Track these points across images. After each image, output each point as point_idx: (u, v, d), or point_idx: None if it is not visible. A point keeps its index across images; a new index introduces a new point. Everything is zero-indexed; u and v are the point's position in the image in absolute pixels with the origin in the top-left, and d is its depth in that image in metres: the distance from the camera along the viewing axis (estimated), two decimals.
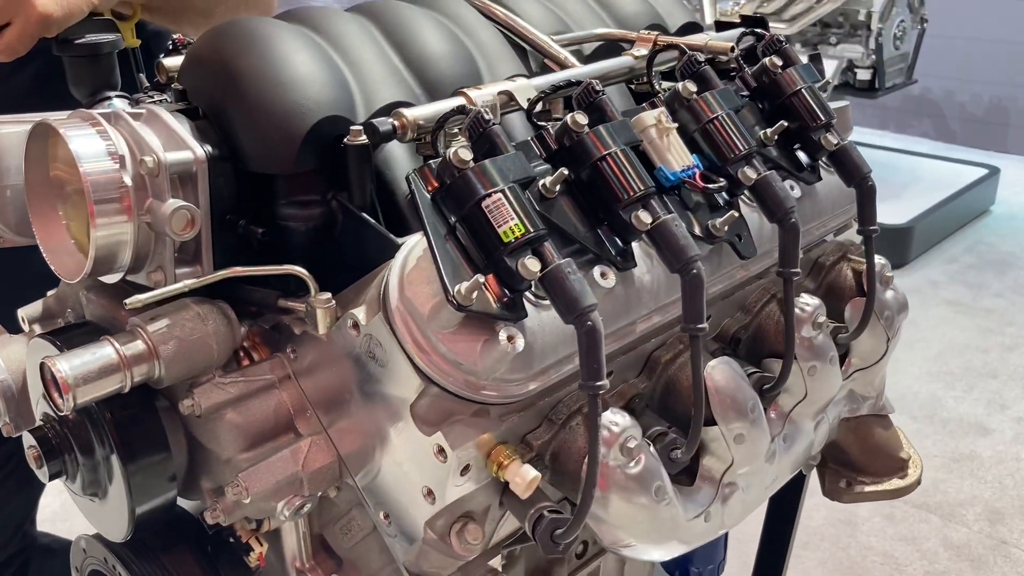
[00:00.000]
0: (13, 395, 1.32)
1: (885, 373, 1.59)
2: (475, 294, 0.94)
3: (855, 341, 1.50)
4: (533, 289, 1.01)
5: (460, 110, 1.07)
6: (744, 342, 1.37)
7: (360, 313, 1.04)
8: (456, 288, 0.94)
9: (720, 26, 1.57)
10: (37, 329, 1.35)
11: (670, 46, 1.32)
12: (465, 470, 1.03)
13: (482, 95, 1.16)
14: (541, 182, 1.06)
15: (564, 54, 1.33)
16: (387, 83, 1.20)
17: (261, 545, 1.26)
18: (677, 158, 1.18)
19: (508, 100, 1.19)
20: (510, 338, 0.97)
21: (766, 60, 1.36)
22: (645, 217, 1.07)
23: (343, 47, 1.21)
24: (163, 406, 1.18)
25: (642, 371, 1.25)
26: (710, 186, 1.18)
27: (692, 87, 1.24)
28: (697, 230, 1.18)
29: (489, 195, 0.97)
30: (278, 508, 1.13)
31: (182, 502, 1.29)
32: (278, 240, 1.16)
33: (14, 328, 1.36)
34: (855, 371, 1.52)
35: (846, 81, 6.95)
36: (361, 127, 1.10)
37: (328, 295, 1.08)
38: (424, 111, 1.11)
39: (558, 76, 1.29)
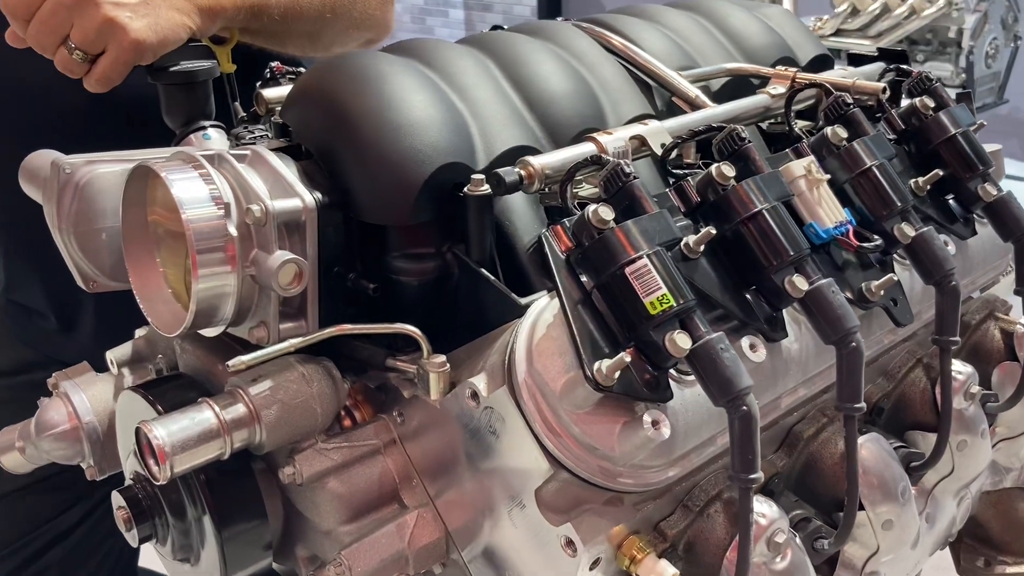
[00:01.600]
0: (99, 438, 1.26)
1: None
2: (617, 373, 0.84)
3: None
4: (678, 365, 0.90)
5: (595, 160, 0.97)
6: (887, 411, 1.24)
7: (480, 383, 0.94)
8: (596, 366, 0.84)
9: (854, 60, 1.45)
10: (126, 374, 1.28)
11: (812, 84, 1.21)
12: (595, 564, 0.93)
13: (613, 141, 1.05)
14: (684, 241, 0.96)
15: (695, 91, 1.23)
16: (508, 125, 1.10)
17: None
18: (829, 213, 1.06)
19: (640, 145, 1.09)
20: (655, 423, 0.87)
21: (916, 101, 1.24)
22: (800, 283, 0.96)
23: (460, 85, 1.12)
24: (260, 468, 1.10)
25: (780, 446, 1.13)
26: (865, 245, 1.06)
27: (843, 133, 1.12)
28: (849, 293, 1.06)
29: (633, 261, 0.86)
30: None
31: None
32: (388, 294, 1.07)
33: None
34: (1000, 441, 1.39)
35: None
36: (483, 176, 1.00)
37: (443, 358, 0.99)
38: (552, 159, 1.02)
39: (692, 118, 1.18)
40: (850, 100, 1.17)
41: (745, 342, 0.97)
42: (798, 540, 1.01)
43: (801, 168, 1.07)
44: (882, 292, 1.06)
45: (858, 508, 1.08)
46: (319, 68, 1.12)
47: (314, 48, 1.57)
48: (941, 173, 1.19)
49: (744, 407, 0.85)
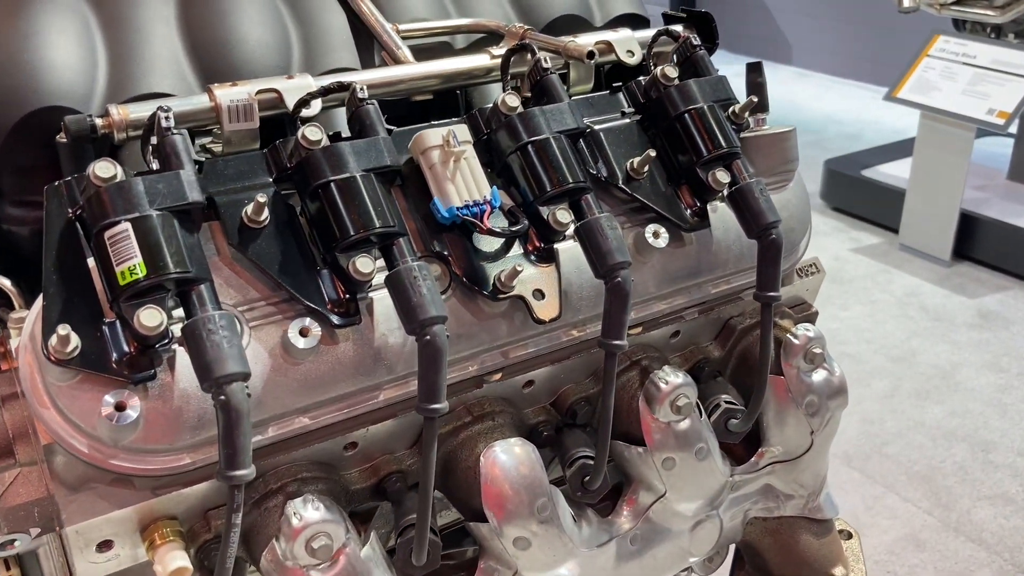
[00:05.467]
0: None
1: (824, 471, 1.27)
2: (72, 346, 0.77)
3: (773, 428, 1.20)
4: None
5: (149, 125, 0.88)
6: (582, 414, 1.10)
7: (13, 344, 0.89)
8: (50, 338, 0.77)
9: (668, 20, 1.29)
10: None
11: (521, 47, 1.07)
12: (105, 546, 0.86)
13: (232, 94, 0.96)
14: (244, 209, 0.87)
15: (402, 49, 1.11)
16: (151, 71, 1.03)
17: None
18: (462, 189, 0.94)
19: (279, 100, 0.99)
20: (119, 405, 0.79)
21: (657, 71, 1.09)
22: (364, 265, 0.86)
23: (116, 21, 1.05)
24: None
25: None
26: (496, 229, 0.94)
27: (513, 101, 0.99)
28: (479, 284, 0.95)
29: (112, 224, 0.78)
30: None
31: None
32: (4, 244, 1.02)
33: None
34: (771, 463, 1.23)
35: None
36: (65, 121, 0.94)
37: (25, 312, 0.93)
38: (138, 110, 0.93)
39: (382, 74, 1.07)
40: (548, 63, 1.03)
41: (295, 326, 0.87)
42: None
43: (437, 137, 0.95)
44: (513, 284, 0.94)
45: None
46: None
47: None
48: (653, 153, 1.04)
49: (223, 396, 0.76)
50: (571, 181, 0.96)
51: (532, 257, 0.99)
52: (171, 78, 1.04)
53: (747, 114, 1.13)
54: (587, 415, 1.09)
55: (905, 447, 3.07)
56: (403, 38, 1.14)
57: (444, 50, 1.19)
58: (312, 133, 0.88)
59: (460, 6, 1.23)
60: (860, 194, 4.88)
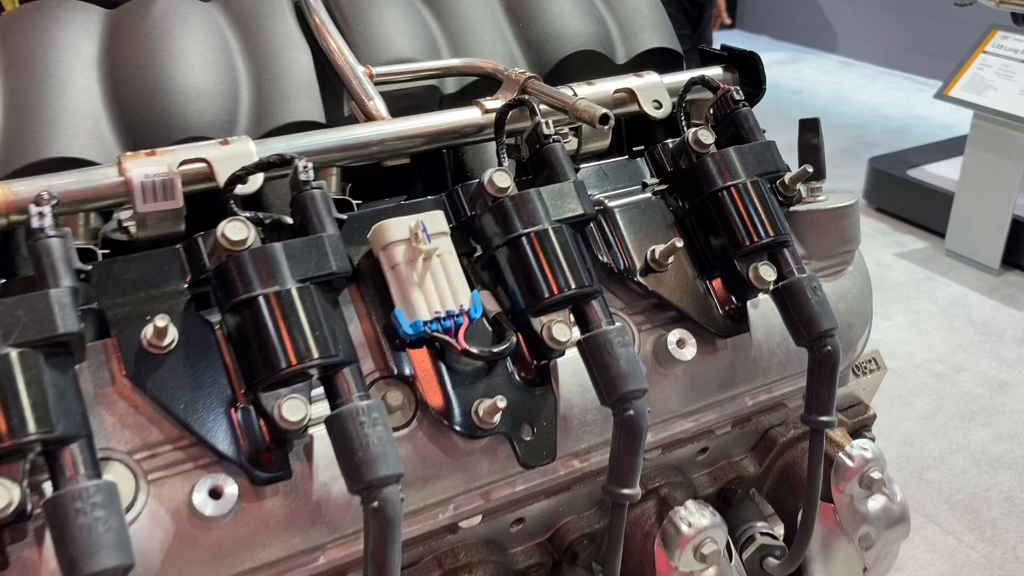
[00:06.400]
0: None
1: None
2: None
3: (817, 562, 0.99)
4: None
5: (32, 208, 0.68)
6: (583, 556, 0.90)
7: None
8: None
9: (705, 59, 1.07)
10: None
11: (518, 102, 0.85)
12: None
13: (150, 166, 0.76)
14: (143, 331, 0.67)
15: (374, 100, 0.90)
16: (59, 129, 0.82)
17: None
18: (432, 297, 0.73)
19: (207, 173, 0.78)
20: None
21: (689, 135, 0.87)
22: (292, 413, 0.66)
23: (19, 66, 0.85)
24: None
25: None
26: (473, 351, 0.73)
27: (503, 181, 0.78)
28: (450, 420, 0.74)
29: None
30: None
31: None
32: None
33: None
34: None
35: None
36: None
37: None
38: (24, 188, 0.73)
39: (346, 135, 0.86)
40: (548, 130, 0.82)
41: (205, 484, 0.67)
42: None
43: (402, 230, 0.74)
44: (494, 420, 0.74)
45: None
46: None
47: None
48: (680, 244, 0.83)
49: None
50: (574, 286, 0.75)
51: (520, 379, 0.78)
52: (83, 138, 0.83)
53: (799, 185, 0.92)
54: (589, 556, 0.89)
55: (947, 473, 2.84)
56: (380, 83, 0.93)
57: (429, 96, 0.98)
58: (234, 231, 0.68)
59: (454, 41, 1.02)
60: (905, 195, 4.61)
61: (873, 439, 1.02)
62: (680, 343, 0.84)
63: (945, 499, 2.70)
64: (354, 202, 0.86)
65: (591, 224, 0.85)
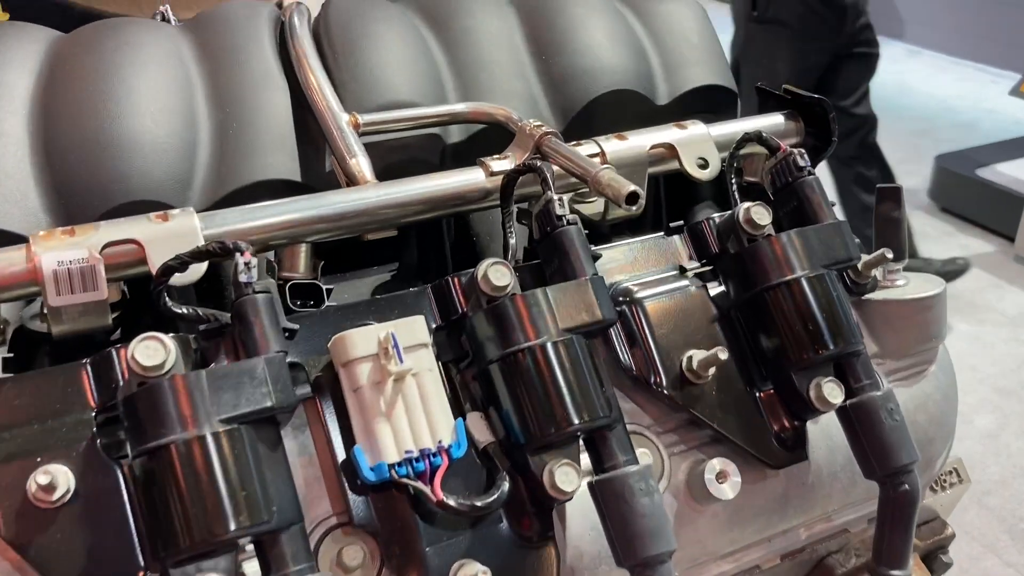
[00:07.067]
0: None
1: None
2: None
3: None
4: None
5: None
6: None
7: None
8: None
9: (764, 100, 0.89)
10: None
11: (529, 168, 0.69)
12: None
13: (66, 250, 0.61)
14: (28, 482, 0.52)
15: (357, 158, 0.74)
16: None
17: None
18: (403, 432, 0.58)
19: (139, 256, 0.63)
20: None
21: (740, 212, 0.70)
22: None
23: None
24: None
25: None
26: (451, 503, 0.57)
27: (502, 278, 0.62)
28: (412, 572, 0.59)
29: None
30: None
31: None
32: None
33: None
34: None
35: None
36: None
37: None
38: None
39: (318, 205, 0.70)
40: (563, 209, 0.65)
41: None
42: None
43: (368, 343, 0.59)
44: None
45: None
46: None
47: None
48: (724, 356, 0.66)
49: None
50: (586, 418, 0.59)
51: (515, 532, 0.62)
52: (8, 204, 0.69)
53: (875, 271, 0.74)
54: None
55: (1010, 499, 2.63)
56: (368, 133, 0.77)
57: (430, 147, 0.81)
58: (147, 354, 0.53)
59: (463, 78, 0.85)
60: (973, 195, 4.36)
61: (951, 563, 0.85)
62: (721, 476, 0.68)
63: (1007, 528, 2.50)
64: (324, 287, 0.71)
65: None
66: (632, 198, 0.65)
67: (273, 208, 0.68)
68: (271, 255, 0.72)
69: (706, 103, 0.91)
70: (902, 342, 0.78)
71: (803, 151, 0.74)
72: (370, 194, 0.71)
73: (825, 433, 0.73)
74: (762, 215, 0.70)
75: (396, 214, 0.71)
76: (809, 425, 0.73)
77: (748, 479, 0.70)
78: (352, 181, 0.73)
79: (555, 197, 0.66)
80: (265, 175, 0.75)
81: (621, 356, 0.69)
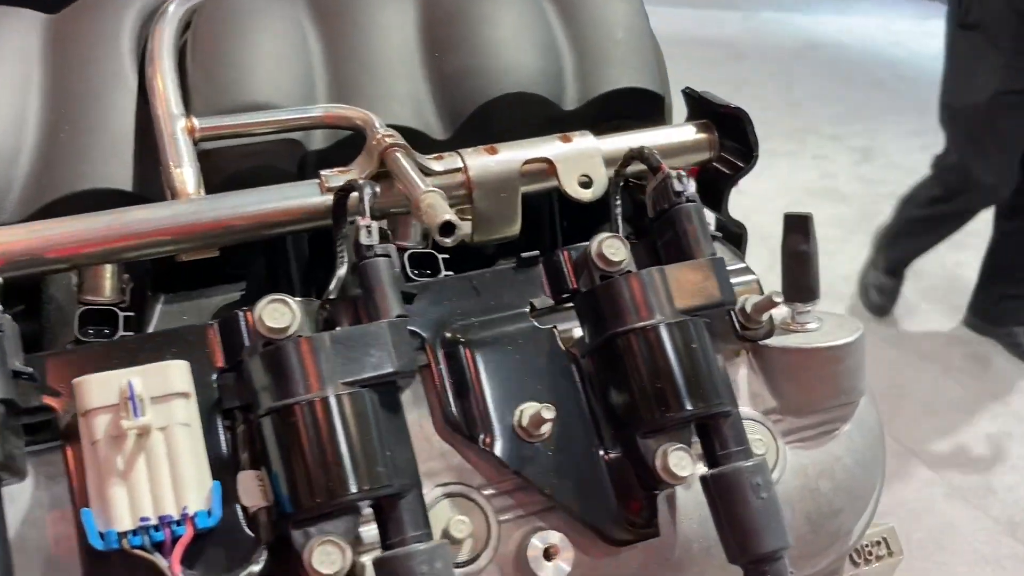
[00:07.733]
0: None
1: None
2: None
3: None
4: None
5: None
6: None
7: None
8: None
9: (693, 108, 0.77)
10: None
11: (352, 187, 0.60)
12: None
13: None
14: None
15: (183, 168, 0.66)
16: None
17: None
18: (142, 496, 0.51)
19: None
20: None
21: (593, 245, 0.60)
22: None
23: None
24: None
25: None
26: None
27: (279, 320, 0.54)
28: None
29: None
30: None
31: None
32: None
33: None
34: None
35: None
36: None
37: None
38: None
39: (125, 221, 0.63)
40: (370, 238, 0.56)
41: None
42: None
43: (108, 392, 0.51)
44: None
45: None
46: None
47: None
48: (548, 416, 0.56)
49: None
50: (366, 487, 0.51)
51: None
52: None
53: (765, 316, 0.64)
54: None
55: None
56: (209, 139, 0.69)
57: (286, 154, 0.73)
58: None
59: (339, 83, 0.75)
60: None
61: None
62: (550, 553, 0.58)
63: None
64: (122, 314, 0.64)
65: (438, 361, 0.61)
66: (446, 228, 0.56)
67: (70, 224, 0.61)
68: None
69: (629, 109, 0.80)
70: (806, 397, 0.67)
71: (682, 174, 0.63)
72: (180, 210, 0.63)
73: (698, 501, 0.63)
74: (617, 249, 0.60)
75: (216, 233, 0.64)
76: (681, 490, 0.63)
77: (594, 553, 0.60)
78: (174, 194, 0.66)
79: (364, 225, 0.57)
80: (89, 184, 0.68)
81: (446, 405, 0.60)
